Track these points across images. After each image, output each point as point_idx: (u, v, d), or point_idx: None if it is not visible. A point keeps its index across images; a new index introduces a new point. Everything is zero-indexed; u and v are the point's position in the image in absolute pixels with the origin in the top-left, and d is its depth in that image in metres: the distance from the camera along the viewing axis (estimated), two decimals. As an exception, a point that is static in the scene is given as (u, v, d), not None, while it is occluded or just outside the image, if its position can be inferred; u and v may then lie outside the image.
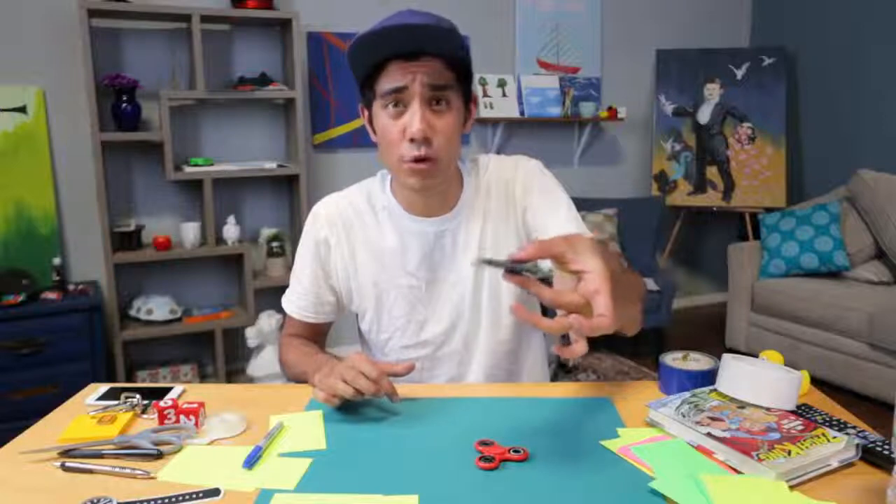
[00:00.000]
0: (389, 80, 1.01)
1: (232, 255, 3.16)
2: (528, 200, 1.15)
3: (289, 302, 1.27)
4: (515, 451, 0.86)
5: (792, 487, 0.78)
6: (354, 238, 1.19)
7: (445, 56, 1.02)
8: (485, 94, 3.76)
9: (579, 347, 0.73)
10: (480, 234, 1.15)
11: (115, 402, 1.03)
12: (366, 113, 1.11)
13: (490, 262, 0.77)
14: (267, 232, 3.23)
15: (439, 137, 1.03)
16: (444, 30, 0.99)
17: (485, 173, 1.18)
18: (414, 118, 1.00)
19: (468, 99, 1.10)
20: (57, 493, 0.79)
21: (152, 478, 0.82)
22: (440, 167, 1.05)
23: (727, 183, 4.06)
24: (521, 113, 3.84)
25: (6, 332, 2.58)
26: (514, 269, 0.74)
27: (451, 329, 1.18)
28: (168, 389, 1.09)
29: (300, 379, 1.15)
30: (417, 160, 1.02)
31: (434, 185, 1.08)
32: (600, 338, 0.74)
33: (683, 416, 0.91)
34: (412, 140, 1.01)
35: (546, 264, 0.75)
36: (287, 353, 1.22)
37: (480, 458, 0.84)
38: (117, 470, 0.84)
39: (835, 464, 0.83)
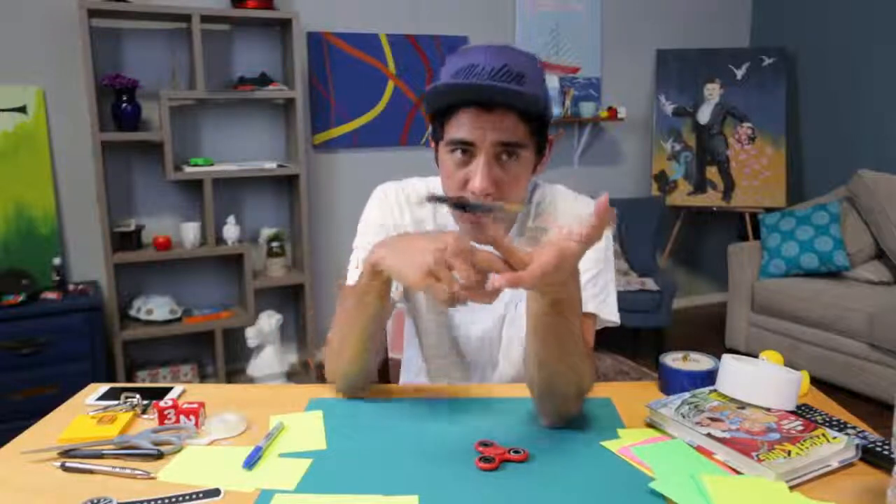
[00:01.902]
0: (458, 131, 0.96)
1: (232, 255, 3.15)
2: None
3: (352, 271, 1.14)
4: (515, 452, 0.86)
5: (792, 488, 0.78)
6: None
7: (520, 109, 0.95)
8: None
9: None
10: None
11: (115, 402, 1.03)
12: (433, 145, 1.07)
13: (438, 199, 0.79)
14: (267, 232, 3.23)
15: (502, 189, 0.97)
16: (515, 92, 0.92)
17: (543, 199, 1.14)
18: (477, 175, 0.95)
19: (543, 145, 1.04)
20: (57, 493, 0.80)
21: (152, 478, 0.82)
22: (500, 218, 1.02)
23: (727, 183, 4.06)
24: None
25: (6, 332, 2.58)
26: (462, 205, 0.75)
27: (480, 347, 1.18)
28: (168, 389, 1.09)
29: (349, 333, 1.00)
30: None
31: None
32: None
33: (683, 417, 0.91)
34: (474, 193, 0.96)
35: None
36: (334, 324, 1.06)
37: (480, 459, 0.84)
38: (117, 470, 0.84)
39: (835, 464, 0.83)
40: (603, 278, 1.09)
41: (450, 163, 1.00)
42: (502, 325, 1.17)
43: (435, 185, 1.16)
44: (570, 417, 0.95)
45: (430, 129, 1.08)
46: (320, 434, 0.94)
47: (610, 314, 1.09)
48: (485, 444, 0.88)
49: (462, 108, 0.96)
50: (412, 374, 1.28)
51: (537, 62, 1.01)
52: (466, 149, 0.97)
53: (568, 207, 1.14)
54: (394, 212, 1.15)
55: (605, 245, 1.12)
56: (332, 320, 1.05)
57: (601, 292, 1.08)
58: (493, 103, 0.94)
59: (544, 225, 1.13)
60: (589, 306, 1.05)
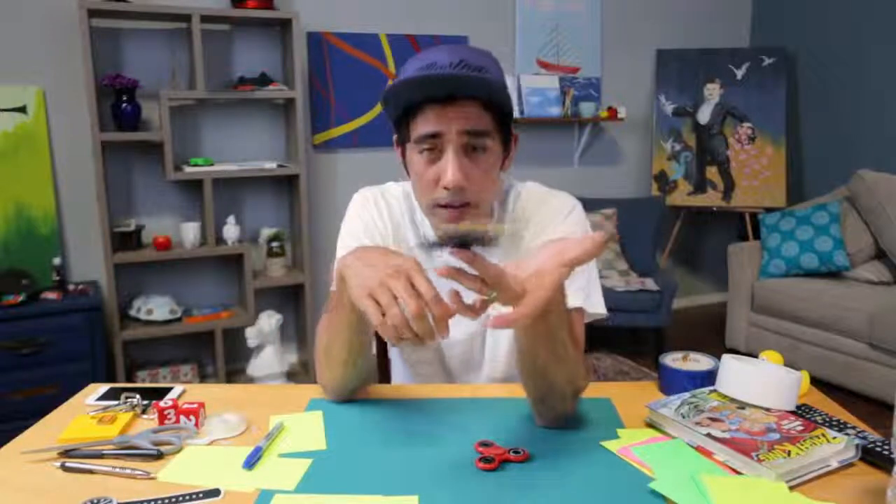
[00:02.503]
0: (424, 125, 0.97)
1: (232, 255, 3.15)
2: None
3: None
4: (515, 452, 0.86)
5: (792, 488, 0.78)
6: (399, 237, 1.16)
7: (482, 99, 0.97)
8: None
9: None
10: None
11: (115, 402, 1.03)
12: (399, 150, 1.07)
13: (433, 245, 0.73)
14: (267, 232, 3.23)
15: (474, 183, 0.98)
16: (480, 80, 0.94)
17: (517, 201, 1.15)
18: (448, 168, 0.96)
19: (508, 138, 1.05)
20: (57, 493, 0.80)
21: (152, 478, 0.82)
22: (474, 213, 1.01)
23: (727, 183, 4.06)
24: (521, 113, 3.84)
25: (6, 332, 2.58)
26: (462, 242, 0.70)
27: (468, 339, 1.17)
28: (168, 389, 1.09)
29: (332, 341, 0.99)
30: (451, 206, 0.99)
31: None
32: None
33: (683, 417, 0.91)
34: (446, 189, 0.97)
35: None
36: (318, 331, 1.06)
37: (480, 459, 0.84)
38: (117, 470, 0.84)
39: (834, 464, 0.83)
40: (587, 273, 1.08)
41: (419, 163, 1.00)
42: (485, 327, 1.15)
43: (413, 203, 1.16)
44: (566, 417, 0.95)
45: (394, 135, 1.08)
46: (320, 434, 0.94)
47: (597, 306, 1.09)
48: (485, 445, 0.88)
49: (426, 103, 0.96)
50: (399, 378, 1.29)
51: (494, 58, 1.02)
52: (434, 145, 0.98)
53: (541, 205, 1.14)
54: (373, 215, 1.16)
55: None
56: (317, 328, 1.04)
57: (587, 285, 1.08)
58: (456, 94, 0.95)
59: (522, 224, 1.12)
60: (577, 301, 1.04)
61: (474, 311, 0.76)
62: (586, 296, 1.07)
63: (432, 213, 1.04)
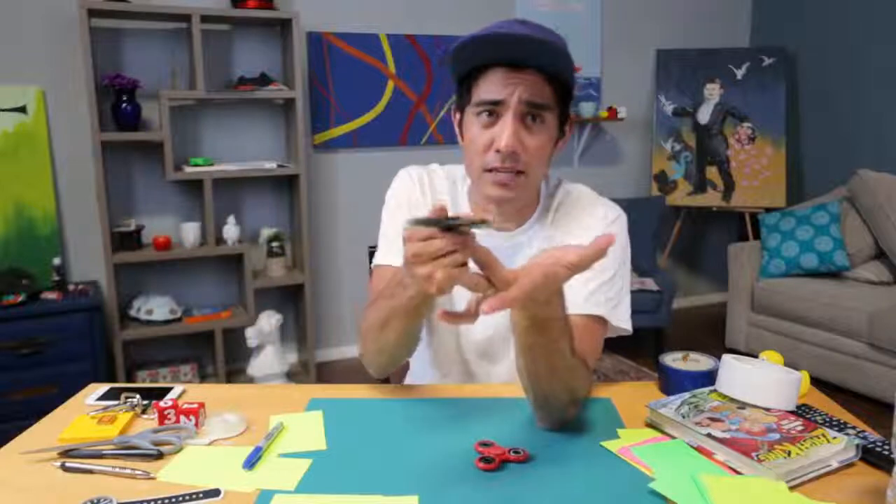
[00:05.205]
0: (488, 90, 0.98)
1: (232, 255, 3.15)
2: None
3: (380, 257, 1.14)
4: (515, 452, 0.86)
5: (792, 488, 0.78)
6: None
7: (549, 72, 0.97)
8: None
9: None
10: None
11: (115, 402, 1.03)
12: (457, 116, 1.08)
13: (423, 222, 0.73)
14: (267, 232, 3.23)
15: (527, 153, 0.99)
16: (552, 45, 0.94)
17: (566, 199, 1.14)
18: (504, 131, 0.97)
19: (564, 120, 1.05)
20: (57, 493, 0.79)
21: (152, 478, 0.82)
22: (523, 183, 1.01)
23: (727, 183, 4.06)
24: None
25: (6, 332, 2.58)
26: (449, 225, 0.71)
27: (487, 338, 1.15)
28: (168, 389, 1.09)
29: (384, 325, 0.95)
30: (501, 170, 0.99)
31: (512, 199, 1.04)
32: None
33: (683, 417, 0.91)
34: (499, 151, 0.98)
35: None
36: (367, 314, 1.03)
37: (480, 459, 0.84)
38: (117, 470, 0.84)
39: (835, 464, 0.83)
40: (617, 284, 1.07)
41: (475, 126, 1.01)
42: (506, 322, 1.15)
43: (454, 172, 1.17)
44: (566, 422, 0.95)
45: (453, 98, 1.08)
46: (320, 434, 0.94)
47: (621, 321, 1.08)
48: (485, 445, 0.88)
49: (490, 67, 0.97)
50: (416, 377, 1.28)
51: (561, 36, 1.01)
52: (493, 110, 0.98)
53: (589, 208, 1.13)
54: (416, 192, 1.15)
55: (622, 252, 1.10)
56: (366, 310, 1.02)
57: (615, 297, 1.06)
58: (522, 62, 0.95)
59: (564, 227, 1.11)
60: (600, 310, 1.04)
61: (469, 315, 0.75)
62: (612, 307, 1.06)
63: (480, 179, 1.03)
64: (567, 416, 0.95)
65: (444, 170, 1.19)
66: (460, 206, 1.15)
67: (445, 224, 0.72)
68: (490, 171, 1.00)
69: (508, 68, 0.96)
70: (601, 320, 1.05)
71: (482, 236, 0.79)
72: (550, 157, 1.05)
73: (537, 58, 0.95)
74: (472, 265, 0.75)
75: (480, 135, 1.00)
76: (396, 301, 0.89)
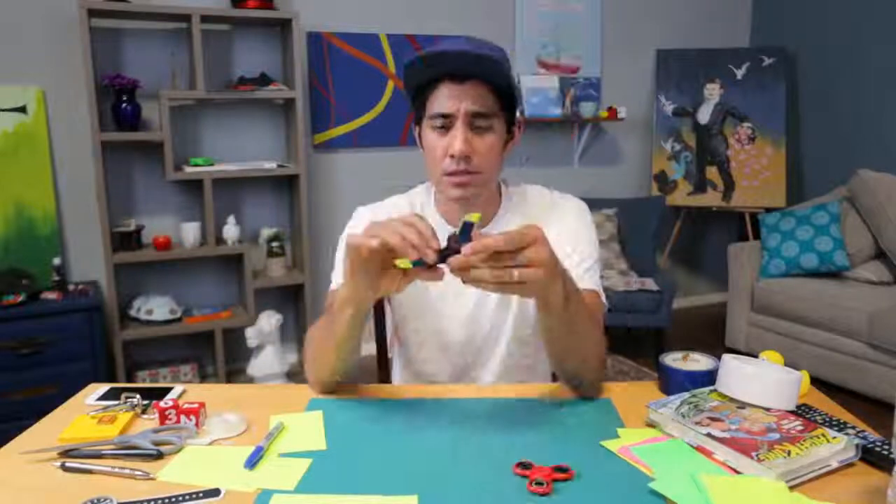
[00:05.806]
0: (440, 104, 1.08)
1: (232, 255, 3.15)
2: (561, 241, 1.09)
3: (333, 284, 1.22)
4: (561, 470, 0.81)
5: (792, 488, 0.78)
6: None
7: (492, 83, 1.07)
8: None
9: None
10: None
11: (116, 402, 1.03)
12: (417, 129, 1.18)
13: (447, 250, 0.84)
14: (267, 232, 3.23)
15: (478, 156, 1.09)
16: (489, 58, 1.03)
17: (524, 197, 1.24)
18: (456, 139, 1.07)
19: (512, 122, 1.15)
20: (57, 493, 0.80)
21: (152, 478, 0.82)
22: (479, 181, 1.11)
23: (727, 183, 4.06)
24: (522, 113, 3.84)
25: (6, 332, 2.58)
26: (447, 252, 0.83)
27: (470, 337, 1.22)
28: (168, 389, 1.09)
29: (326, 345, 1.05)
30: (458, 173, 1.09)
31: (472, 197, 1.13)
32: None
33: (683, 417, 0.91)
34: (453, 156, 1.08)
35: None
36: (312, 334, 1.12)
37: (532, 483, 0.79)
38: (117, 470, 0.84)
39: (834, 464, 0.83)
40: (597, 267, 1.21)
41: (432, 137, 1.11)
42: (489, 312, 1.21)
43: (415, 198, 1.26)
44: (601, 381, 1.08)
45: (413, 113, 1.18)
46: (320, 434, 0.94)
47: (603, 297, 1.19)
48: (524, 466, 0.83)
49: (438, 83, 1.08)
50: (399, 379, 1.33)
51: (502, 49, 1.11)
52: (444, 124, 1.09)
53: (552, 207, 1.23)
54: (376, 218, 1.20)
55: (594, 238, 1.23)
56: (310, 331, 1.12)
57: (598, 277, 1.20)
58: (465, 74, 1.06)
59: (535, 220, 1.18)
60: (594, 286, 1.17)
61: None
62: (599, 285, 1.18)
63: (441, 183, 1.13)
64: (600, 377, 1.07)
65: (405, 196, 1.28)
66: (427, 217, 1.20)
67: (447, 251, 0.82)
68: (449, 174, 1.10)
69: (454, 82, 1.07)
70: (595, 294, 1.16)
71: (440, 229, 0.97)
72: (502, 157, 1.16)
73: (478, 71, 1.06)
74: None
75: (437, 144, 1.10)
76: (338, 316, 0.99)
